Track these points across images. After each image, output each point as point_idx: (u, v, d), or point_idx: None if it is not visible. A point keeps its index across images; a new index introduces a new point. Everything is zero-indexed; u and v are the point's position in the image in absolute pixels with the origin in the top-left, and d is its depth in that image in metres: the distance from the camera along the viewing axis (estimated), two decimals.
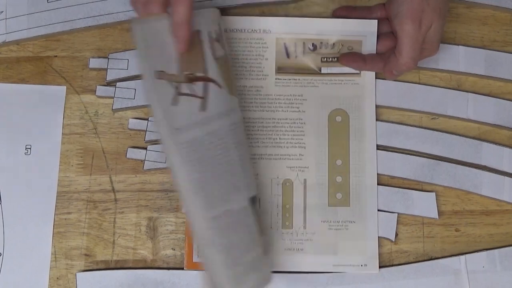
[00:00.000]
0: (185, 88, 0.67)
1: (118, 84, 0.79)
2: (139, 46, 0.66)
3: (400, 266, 0.76)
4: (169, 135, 0.66)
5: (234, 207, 0.68)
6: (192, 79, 0.67)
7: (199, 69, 0.68)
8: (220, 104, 0.68)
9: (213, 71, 0.68)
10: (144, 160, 0.77)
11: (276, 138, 0.78)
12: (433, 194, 0.77)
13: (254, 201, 0.70)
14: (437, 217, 0.77)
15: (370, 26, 0.79)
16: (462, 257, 0.76)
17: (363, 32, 0.79)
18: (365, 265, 0.76)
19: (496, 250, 0.76)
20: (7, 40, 0.80)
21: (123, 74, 0.79)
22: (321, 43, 0.79)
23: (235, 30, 0.79)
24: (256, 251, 0.70)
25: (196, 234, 0.67)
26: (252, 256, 0.69)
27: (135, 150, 0.78)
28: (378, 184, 0.77)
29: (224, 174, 0.68)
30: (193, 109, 0.67)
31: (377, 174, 0.78)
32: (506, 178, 0.78)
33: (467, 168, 0.78)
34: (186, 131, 0.66)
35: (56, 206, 0.77)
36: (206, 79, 0.68)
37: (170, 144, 0.66)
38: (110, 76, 0.79)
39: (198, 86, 0.68)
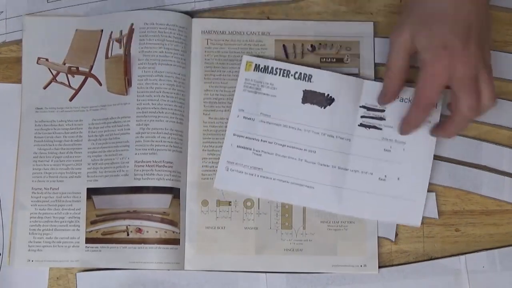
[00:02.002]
0: (62, 78, 0.78)
1: None
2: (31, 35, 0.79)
3: (400, 266, 0.76)
4: (28, 111, 0.78)
5: (66, 189, 0.77)
6: (73, 72, 0.77)
7: (85, 64, 0.78)
8: (92, 99, 0.78)
9: (99, 69, 0.78)
10: None
11: None
12: (433, 194, 0.77)
13: (93, 193, 0.76)
14: (437, 217, 0.77)
15: (367, 28, 0.79)
16: (462, 257, 0.76)
17: (360, 33, 0.79)
18: (365, 265, 0.76)
19: (496, 250, 0.76)
20: (7, 40, 0.80)
21: None
22: (320, 44, 0.79)
23: (234, 33, 0.79)
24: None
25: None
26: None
27: None
28: None
29: (64, 157, 0.78)
30: (62, 97, 0.78)
31: None
32: (506, 178, 0.77)
33: (467, 168, 0.78)
34: (45, 113, 0.78)
35: None
36: (87, 75, 0.77)
37: (27, 119, 0.78)
38: None
39: (77, 79, 0.78)
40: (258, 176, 0.76)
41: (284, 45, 0.79)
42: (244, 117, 0.77)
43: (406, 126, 0.74)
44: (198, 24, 0.79)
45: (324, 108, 0.77)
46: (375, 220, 0.76)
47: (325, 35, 0.79)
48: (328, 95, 0.77)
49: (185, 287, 0.75)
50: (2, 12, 0.80)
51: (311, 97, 0.77)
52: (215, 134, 0.78)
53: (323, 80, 0.77)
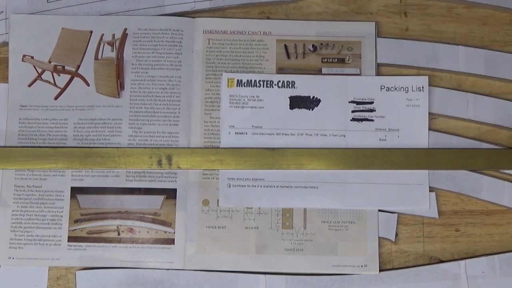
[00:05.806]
0: (48, 76, 0.78)
1: None
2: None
3: (400, 270, 0.76)
4: (13, 109, 0.78)
5: (48, 187, 0.77)
6: (58, 71, 0.77)
7: (72, 64, 0.79)
8: (79, 99, 0.78)
9: (87, 69, 0.78)
10: None
11: None
12: (433, 194, 0.77)
13: (77, 192, 0.77)
14: (437, 217, 0.77)
15: (369, 28, 0.79)
16: (462, 262, 0.76)
17: (362, 33, 0.80)
18: (365, 265, 0.76)
19: (496, 256, 0.76)
20: (7, 40, 0.80)
21: None
22: (321, 44, 0.79)
23: (235, 32, 0.80)
24: None
25: None
26: None
27: None
28: None
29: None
30: (46, 95, 0.78)
31: None
32: (506, 182, 0.78)
33: (467, 172, 0.78)
34: (29, 110, 0.78)
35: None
36: (74, 74, 0.78)
37: (11, 116, 0.78)
38: None
39: (62, 78, 0.78)
40: (260, 186, 0.77)
41: (285, 45, 0.79)
42: (236, 132, 0.77)
43: None
44: (199, 24, 0.80)
45: (312, 110, 0.78)
46: (383, 209, 0.77)
47: (326, 35, 0.80)
48: (314, 97, 0.78)
49: (184, 287, 0.75)
50: (2, 12, 0.80)
51: (297, 102, 0.78)
52: (216, 133, 0.78)
53: (306, 84, 0.78)
